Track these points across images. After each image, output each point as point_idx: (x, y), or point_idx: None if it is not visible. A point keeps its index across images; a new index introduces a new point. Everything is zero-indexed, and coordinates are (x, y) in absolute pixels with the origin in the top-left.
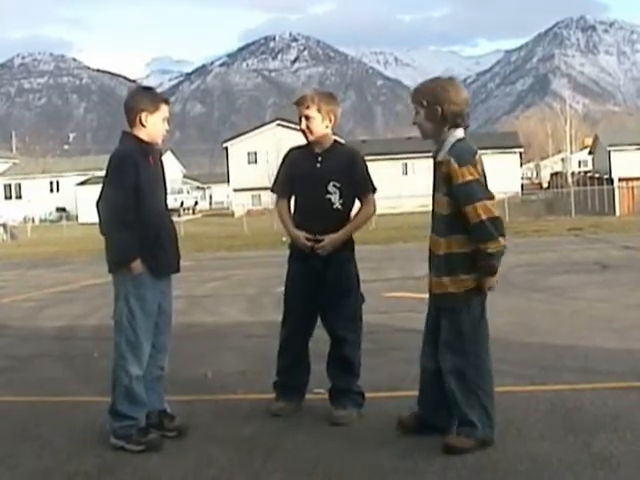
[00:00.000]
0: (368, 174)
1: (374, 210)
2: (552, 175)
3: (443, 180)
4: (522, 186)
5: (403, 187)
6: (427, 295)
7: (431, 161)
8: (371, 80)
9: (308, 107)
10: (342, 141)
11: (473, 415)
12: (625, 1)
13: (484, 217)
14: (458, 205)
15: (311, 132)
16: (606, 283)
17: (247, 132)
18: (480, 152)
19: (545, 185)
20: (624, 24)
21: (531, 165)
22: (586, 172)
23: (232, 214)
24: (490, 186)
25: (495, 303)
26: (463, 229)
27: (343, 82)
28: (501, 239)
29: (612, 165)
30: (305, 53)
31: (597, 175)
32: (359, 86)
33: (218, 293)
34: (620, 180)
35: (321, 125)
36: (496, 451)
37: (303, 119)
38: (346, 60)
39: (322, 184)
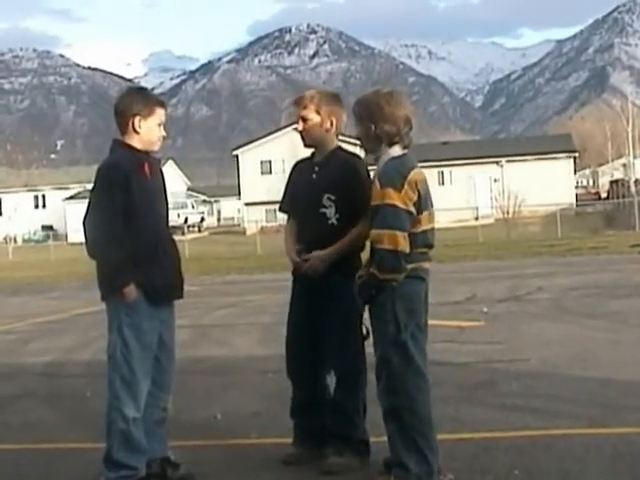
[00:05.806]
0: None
1: None
2: (612, 183)
3: None
4: (577, 196)
5: (439, 199)
6: (467, 323)
7: (470, 169)
8: (402, 77)
9: (306, 107)
10: (345, 147)
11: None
12: None
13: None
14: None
15: (308, 136)
16: None
17: (260, 138)
18: (528, 157)
19: (604, 195)
20: None
21: (587, 172)
22: None
23: (243, 231)
24: (540, 196)
25: (545, 332)
26: None
27: (370, 79)
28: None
29: None
30: (325, 47)
31: None
32: (388, 84)
33: (228, 322)
34: None
35: (319, 128)
36: None
37: (300, 121)
38: (372, 54)
39: (317, 197)
